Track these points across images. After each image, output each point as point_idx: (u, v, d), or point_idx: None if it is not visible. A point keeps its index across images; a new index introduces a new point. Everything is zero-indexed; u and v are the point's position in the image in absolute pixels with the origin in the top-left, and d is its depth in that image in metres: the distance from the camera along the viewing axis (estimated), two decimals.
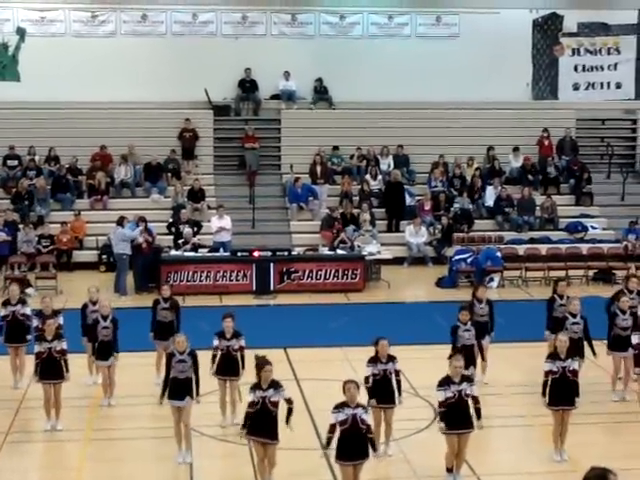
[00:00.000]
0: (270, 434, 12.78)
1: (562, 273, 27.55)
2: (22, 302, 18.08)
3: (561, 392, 14.23)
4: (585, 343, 17.07)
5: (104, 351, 16.92)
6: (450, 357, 13.95)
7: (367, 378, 14.38)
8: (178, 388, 14.23)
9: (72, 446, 15.24)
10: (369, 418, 12.50)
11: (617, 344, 17.08)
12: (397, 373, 14.47)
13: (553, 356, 14.45)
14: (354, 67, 33.52)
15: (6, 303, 18.08)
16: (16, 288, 18.47)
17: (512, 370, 18.53)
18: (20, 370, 17.89)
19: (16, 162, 31.46)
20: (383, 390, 14.31)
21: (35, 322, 17.40)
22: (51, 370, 15.69)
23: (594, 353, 17.09)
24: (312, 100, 34.07)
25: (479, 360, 17.24)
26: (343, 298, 25.63)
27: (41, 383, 15.83)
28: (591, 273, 28.05)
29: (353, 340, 20.65)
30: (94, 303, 17.78)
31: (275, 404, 12.78)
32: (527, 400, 16.58)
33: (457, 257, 27.80)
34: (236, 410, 15.63)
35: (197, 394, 14.43)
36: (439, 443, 13.50)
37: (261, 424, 12.75)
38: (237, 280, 26.06)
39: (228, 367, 15.73)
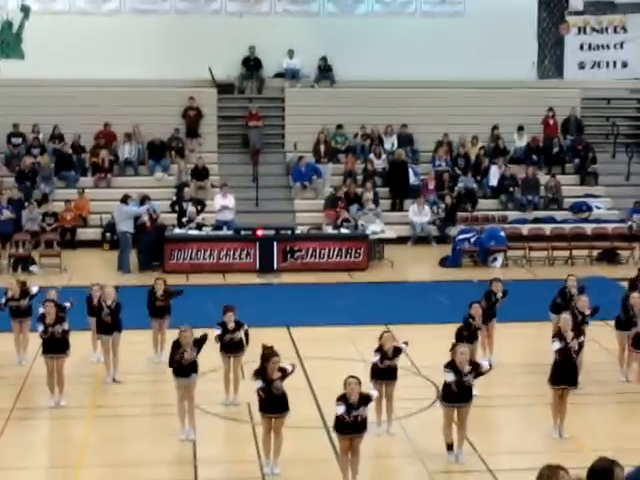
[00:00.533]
0: (280, 409, 13.04)
1: (566, 253, 27.55)
2: (25, 295, 18.07)
3: (564, 371, 14.25)
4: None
5: (108, 326, 17.00)
6: (453, 347, 13.87)
7: (374, 365, 14.42)
8: (183, 369, 14.33)
9: (76, 423, 15.28)
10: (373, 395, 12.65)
11: (624, 323, 17.09)
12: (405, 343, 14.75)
13: (559, 335, 14.44)
14: (358, 45, 33.40)
15: (10, 299, 18.03)
16: (15, 283, 18.42)
17: (515, 349, 18.55)
18: (23, 346, 17.93)
19: (20, 140, 31.43)
20: (385, 373, 14.37)
21: (41, 309, 17.29)
22: (53, 346, 15.84)
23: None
24: (315, 78, 33.98)
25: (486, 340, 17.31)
26: (346, 277, 25.64)
27: (44, 357, 15.96)
28: (595, 253, 28.01)
29: (356, 319, 20.71)
30: (99, 302, 17.80)
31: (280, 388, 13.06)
32: (529, 379, 16.63)
33: (461, 236, 27.75)
34: (238, 389, 15.66)
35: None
36: (441, 422, 13.52)
37: (270, 404, 13.00)
38: (240, 259, 26.06)
39: (232, 348, 15.82)
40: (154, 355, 17.99)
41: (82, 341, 17.47)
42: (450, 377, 13.26)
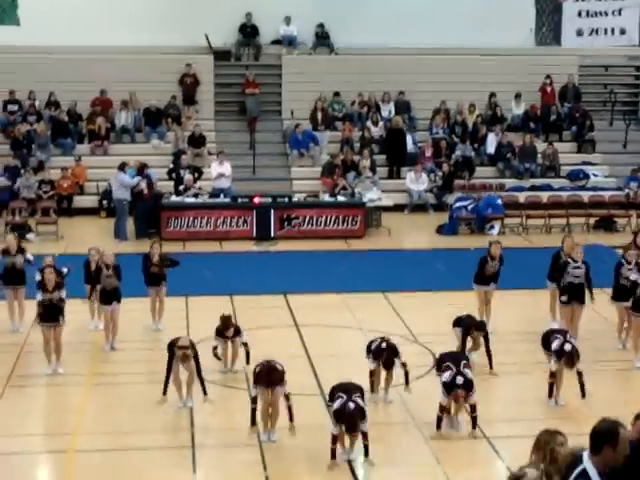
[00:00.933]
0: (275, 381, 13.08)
1: (563, 221, 27.56)
2: (21, 252, 18.06)
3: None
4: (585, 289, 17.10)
5: (107, 296, 16.98)
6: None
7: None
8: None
9: (74, 390, 15.33)
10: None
11: (620, 294, 17.06)
12: (404, 365, 14.38)
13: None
14: (355, 12, 33.21)
15: (5, 252, 18.06)
16: (12, 237, 18.42)
17: (512, 317, 18.58)
18: (20, 314, 17.91)
19: (16, 107, 31.30)
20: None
21: (37, 277, 17.26)
22: (51, 314, 15.84)
23: (592, 298, 17.12)
24: (313, 46, 33.84)
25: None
26: (343, 245, 25.64)
27: (40, 326, 15.98)
28: (592, 221, 28.03)
29: (353, 286, 20.73)
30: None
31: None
32: (527, 347, 16.65)
33: (458, 204, 27.73)
34: (236, 360, 15.66)
35: (205, 393, 14.29)
36: (438, 389, 13.55)
37: (267, 376, 13.07)
38: (237, 226, 26.05)
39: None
40: (152, 323, 18.01)
41: (80, 309, 17.48)
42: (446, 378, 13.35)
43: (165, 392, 14.31)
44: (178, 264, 18.52)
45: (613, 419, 6.71)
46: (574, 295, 16.94)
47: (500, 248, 17.67)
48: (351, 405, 12.26)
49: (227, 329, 15.35)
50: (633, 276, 16.52)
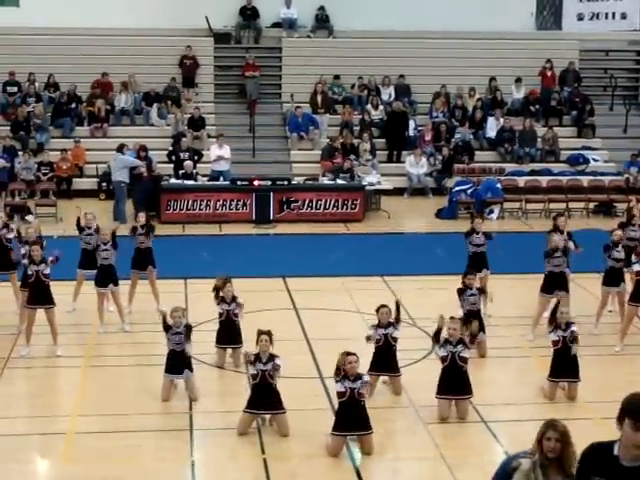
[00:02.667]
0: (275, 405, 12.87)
1: (563, 205, 27.57)
2: (6, 227, 17.77)
3: (563, 364, 14.11)
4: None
5: (103, 276, 16.96)
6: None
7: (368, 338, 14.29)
8: (176, 361, 13.99)
9: (72, 372, 15.33)
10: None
11: (610, 278, 16.90)
12: (394, 340, 14.21)
13: (555, 326, 14.10)
14: None
15: None
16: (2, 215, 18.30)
17: (511, 302, 18.58)
18: (16, 297, 17.58)
19: (16, 89, 31.26)
20: (386, 359, 14.20)
21: (22, 250, 17.22)
22: (39, 295, 15.66)
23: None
24: (313, 29, 33.79)
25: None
26: (342, 228, 25.65)
27: (26, 308, 15.84)
28: (592, 206, 28.04)
29: (352, 270, 20.76)
30: (90, 228, 17.85)
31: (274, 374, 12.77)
32: (525, 331, 16.67)
33: (457, 188, 27.75)
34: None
35: (190, 369, 14.15)
36: (436, 373, 13.58)
37: (263, 398, 12.81)
38: (237, 209, 26.05)
39: (229, 335, 15.39)
40: (127, 305, 17.79)
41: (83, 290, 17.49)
42: (441, 352, 13.38)
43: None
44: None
45: None
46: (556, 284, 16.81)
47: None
48: None
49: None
50: (637, 267, 16.23)
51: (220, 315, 15.38)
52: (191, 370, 14.07)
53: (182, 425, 13.29)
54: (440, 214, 27.22)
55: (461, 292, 15.69)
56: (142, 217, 18.22)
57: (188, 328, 14.01)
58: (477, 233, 17.81)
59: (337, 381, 12.25)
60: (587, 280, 18.48)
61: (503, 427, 13.20)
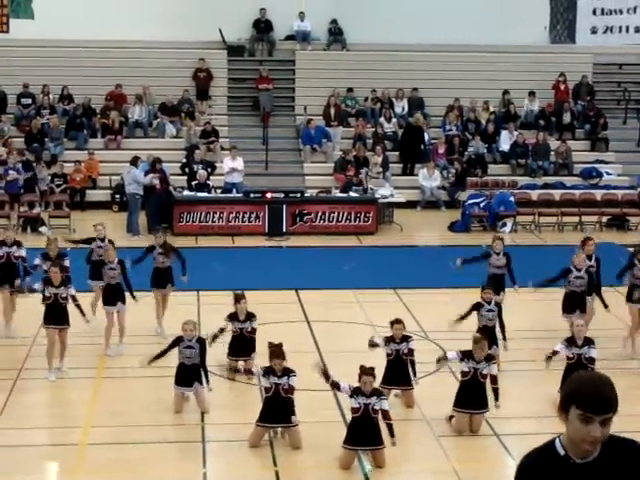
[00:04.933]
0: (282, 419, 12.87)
1: (576, 219, 27.51)
2: (17, 244, 17.68)
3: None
4: (594, 296, 16.92)
5: (111, 295, 16.78)
6: (476, 340, 13.59)
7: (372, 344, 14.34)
8: (185, 374, 14.00)
9: (84, 383, 15.35)
10: (385, 404, 12.44)
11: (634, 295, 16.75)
12: (411, 352, 14.26)
13: (569, 341, 14.11)
14: (369, 9, 33.25)
15: (1, 244, 17.83)
16: (11, 234, 18.19)
17: (524, 315, 18.53)
18: (8, 313, 17.48)
19: (30, 100, 31.38)
20: (398, 373, 14.21)
21: (37, 261, 17.18)
22: (56, 315, 15.54)
23: (605, 305, 16.89)
24: (327, 42, 33.85)
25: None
26: (355, 241, 25.65)
27: (45, 328, 15.73)
28: (605, 219, 27.98)
29: (365, 283, 20.74)
30: (101, 240, 17.83)
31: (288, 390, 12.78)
32: (538, 345, 16.59)
33: (470, 201, 27.74)
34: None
35: (207, 381, 14.14)
36: (448, 386, 13.56)
37: (276, 411, 12.82)
38: (249, 221, 26.07)
39: (241, 348, 15.44)
40: (157, 326, 17.69)
41: (86, 302, 17.49)
42: (462, 366, 13.38)
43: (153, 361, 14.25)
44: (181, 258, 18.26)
45: None
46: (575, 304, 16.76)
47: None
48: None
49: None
50: None
51: (234, 332, 15.42)
52: (201, 383, 14.04)
53: (194, 437, 13.29)
54: (453, 227, 27.21)
55: (478, 307, 15.60)
56: (161, 237, 18.09)
57: (202, 344, 14.01)
58: (497, 254, 17.65)
59: (351, 396, 12.23)
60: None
61: (516, 440, 13.16)
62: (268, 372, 12.80)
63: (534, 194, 28.96)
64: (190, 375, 13.97)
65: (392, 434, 12.32)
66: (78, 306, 15.76)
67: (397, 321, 14.26)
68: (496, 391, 13.51)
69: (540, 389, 14.98)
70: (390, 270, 22.15)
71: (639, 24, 35.09)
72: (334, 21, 33.76)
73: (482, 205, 27.57)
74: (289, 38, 33.98)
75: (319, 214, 26.27)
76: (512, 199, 27.82)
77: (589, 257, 17.34)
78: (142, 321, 17.70)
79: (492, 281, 17.21)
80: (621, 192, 29.25)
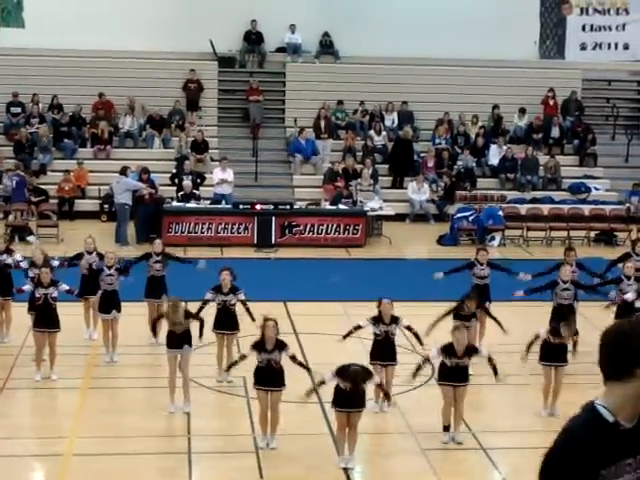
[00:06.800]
0: (276, 384, 13.13)
1: (564, 234, 27.57)
2: (8, 252, 17.70)
3: (552, 351, 14.32)
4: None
5: (107, 302, 16.78)
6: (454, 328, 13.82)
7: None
8: (176, 339, 14.32)
9: (71, 394, 15.31)
10: (375, 378, 12.64)
11: (622, 311, 16.67)
12: (409, 328, 14.75)
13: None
14: (360, 22, 33.25)
15: None
16: (1, 241, 18.22)
17: (510, 328, 18.50)
18: (6, 324, 17.55)
19: (19, 109, 31.32)
20: (384, 349, 14.41)
21: (24, 264, 17.20)
22: (46, 319, 15.57)
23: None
24: (317, 54, 33.91)
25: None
26: (344, 253, 25.65)
27: (34, 331, 15.73)
28: (593, 234, 28.05)
29: (353, 295, 20.73)
30: (90, 253, 17.76)
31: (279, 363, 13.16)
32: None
33: (459, 215, 27.79)
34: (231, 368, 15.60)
35: (201, 334, 14.78)
36: (435, 400, 13.57)
37: (267, 377, 13.09)
38: (238, 232, 26.07)
39: (225, 322, 15.72)
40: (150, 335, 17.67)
41: (76, 311, 17.43)
42: (437, 362, 13.41)
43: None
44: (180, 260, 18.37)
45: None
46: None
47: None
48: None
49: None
50: (629, 295, 16.16)
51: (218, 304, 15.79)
52: (190, 346, 14.38)
53: (180, 448, 13.27)
54: (442, 240, 27.24)
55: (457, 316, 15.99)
56: (159, 245, 18.06)
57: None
58: (481, 265, 17.76)
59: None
60: (588, 309, 18.42)
61: (502, 454, 13.17)
62: (259, 347, 13.06)
63: (522, 208, 29.02)
64: (181, 339, 14.30)
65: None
66: (69, 291, 15.99)
67: (383, 300, 14.76)
68: (494, 368, 13.74)
69: (527, 403, 15.01)
70: (378, 283, 22.08)
71: (628, 41, 35.26)
72: (326, 34, 33.81)
73: (471, 219, 27.63)
74: (280, 50, 34.01)
75: (308, 226, 26.28)
76: (501, 213, 27.88)
77: (570, 265, 17.47)
78: (131, 332, 17.67)
79: (476, 291, 17.31)
80: (609, 207, 29.34)
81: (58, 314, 15.70)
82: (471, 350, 13.60)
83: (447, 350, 13.40)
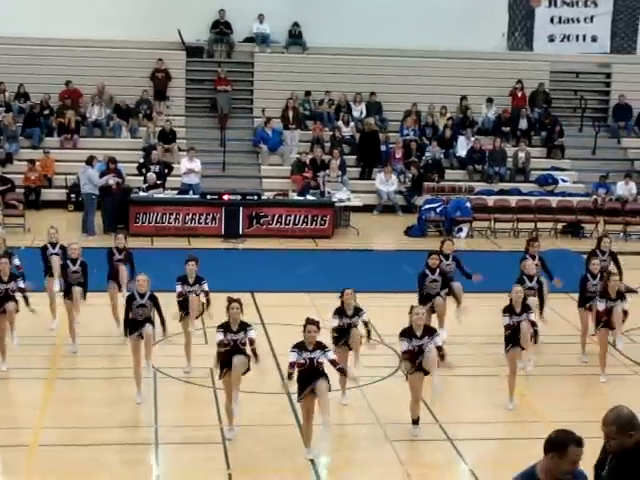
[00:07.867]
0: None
1: (531, 225, 27.69)
2: None
3: (517, 339, 14.36)
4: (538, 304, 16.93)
5: (71, 290, 16.70)
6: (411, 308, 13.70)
7: (333, 329, 14.44)
8: (138, 325, 14.35)
9: (35, 384, 15.20)
10: (331, 355, 12.59)
11: (587, 304, 16.78)
12: (365, 324, 14.49)
13: (509, 310, 14.43)
14: (329, 12, 33.24)
15: None
16: None
17: (478, 320, 18.59)
18: None
19: None
20: (347, 337, 14.40)
21: None
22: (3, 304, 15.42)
23: (541, 314, 16.84)
24: (286, 44, 33.83)
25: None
26: (312, 244, 25.64)
27: None
28: (560, 226, 28.17)
29: (320, 286, 20.70)
30: (54, 245, 17.62)
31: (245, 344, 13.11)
32: (491, 350, 16.66)
33: (427, 206, 27.83)
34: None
35: (164, 332, 14.63)
36: (403, 391, 13.58)
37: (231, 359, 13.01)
38: (206, 223, 26.00)
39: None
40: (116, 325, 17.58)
41: (41, 301, 17.29)
42: (404, 347, 13.22)
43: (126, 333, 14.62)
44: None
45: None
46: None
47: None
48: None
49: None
50: (601, 306, 16.07)
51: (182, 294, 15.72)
52: (152, 325, 14.40)
53: (147, 439, 13.22)
54: (409, 232, 27.27)
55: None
56: (121, 239, 17.86)
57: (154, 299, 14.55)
58: (447, 258, 17.67)
59: (293, 351, 12.50)
60: (556, 301, 18.50)
61: (469, 445, 13.20)
62: (225, 329, 12.99)
63: (490, 200, 29.08)
64: (142, 324, 14.33)
65: (344, 374, 13.20)
66: (25, 298, 15.66)
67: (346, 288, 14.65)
68: (442, 357, 13.34)
69: (494, 395, 15.05)
70: (346, 274, 22.09)
71: (596, 33, 35.42)
72: (295, 24, 33.73)
73: (438, 210, 27.68)
74: (248, 40, 33.91)
75: (276, 217, 26.24)
76: (468, 205, 27.94)
77: (533, 257, 17.47)
78: (95, 322, 17.60)
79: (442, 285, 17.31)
80: (576, 199, 29.46)
81: (18, 302, 15.61)
82: (430, 330, 13.45)
83: (406, 334, 13.26)
